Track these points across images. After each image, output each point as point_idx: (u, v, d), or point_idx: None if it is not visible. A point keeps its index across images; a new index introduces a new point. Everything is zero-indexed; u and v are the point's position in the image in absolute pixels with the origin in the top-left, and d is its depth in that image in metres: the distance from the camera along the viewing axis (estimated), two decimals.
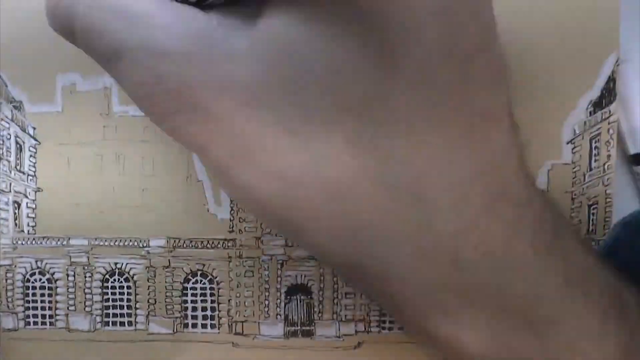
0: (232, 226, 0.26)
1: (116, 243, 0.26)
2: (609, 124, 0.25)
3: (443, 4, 0.14)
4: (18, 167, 0.26)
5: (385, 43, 0.15)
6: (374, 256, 0.17)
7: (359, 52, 0.15)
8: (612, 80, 0.25)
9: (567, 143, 0.25)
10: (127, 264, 0.26)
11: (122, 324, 0.27)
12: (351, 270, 0.17)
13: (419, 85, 0.15)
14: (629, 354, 0.18)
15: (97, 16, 0.17)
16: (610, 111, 0.25)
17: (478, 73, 0.16)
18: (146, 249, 0.26)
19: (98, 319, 0.27)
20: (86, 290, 0.27)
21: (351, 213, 0.16)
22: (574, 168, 0.25)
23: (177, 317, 0.27)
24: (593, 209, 0.25)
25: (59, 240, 0.26)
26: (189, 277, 0.27)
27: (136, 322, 0.27)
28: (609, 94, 0.25)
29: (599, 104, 0.25)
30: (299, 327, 0.26)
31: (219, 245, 0.26)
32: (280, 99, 0.15)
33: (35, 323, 0.27)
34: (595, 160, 0.25)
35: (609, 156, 0.25)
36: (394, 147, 0.15)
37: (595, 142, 0.25)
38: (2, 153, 0.26)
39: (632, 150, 0.26)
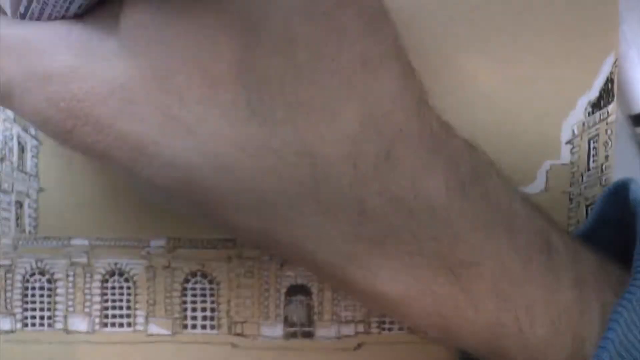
0: None
1: (116, 243, 0.26)
2: (607, 124, 0.25)
3: None
4: (20, 168, 0.26)
5: (244, 11, 0.15)
6: (280, 221, 0.17)
7: (220, 25, 0.15)
8: (610, 80, 0.25)
9: (566, 143, 0.25)
10: (127, 264, 0.26)
11: (121, 325, 0.27)
12: (263, 239, 0.18)
13: (284, 46, 0.15)
14: (553, 298, 0.18)
15: None
16: (608, 112, 0.25)
17: (346, 25, 0.16)
18: (146, 249, 0.26)
19: (97, 320, 0.27)
20: (86, 291, 0.27)
21: (247, 183, 0.16)
22: (572, 168, 0.25)
23: (176, 318, 0.27)
24: (590, 209, 0.25)
25: (59, 240, 0.26)
26: (189, 277, 0.27)
27: (135, 323, 0.27)
28: (607, 94, 0.25)
29: (597, 105, 0.25)
30: (298, 328, 0.26)
31: (218, 246, 0.26)
32: (157, 88, 0.16)
33: (34, 324, 0.27)
34: (594, 161, 0.25)
35: (606, 157, 0.25)
36: (272, 110, 0.16)
37: (594, 143, 0.25)
38: (5, 153, 0.26)
39: (634, 111, 0.26)
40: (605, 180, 0.25)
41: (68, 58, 0.16)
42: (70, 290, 0.27)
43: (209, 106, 0.16)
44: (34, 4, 0.17)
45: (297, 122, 0.16)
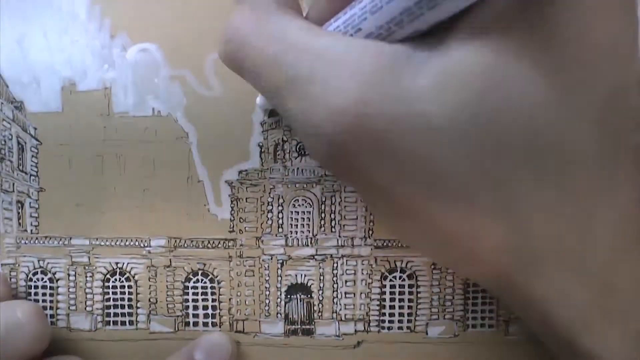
0: (233, 226, 0.26)
1: (117, 243, 0.27)
2: None
3: None
4: (20, 167, 0.27)
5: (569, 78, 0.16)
6: (534, 276, 0.18)
7: (547, 89, 0.16)
8: None
9: None
10: (128, 263, 0.27)
11: (123, 323, 0.27)
12: (501, 282, 0.19)
13: (599, 125, 0.16)
14: None
15: (264, 58, 0.18)
16: None
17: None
18: (147, 248, 0.27)
19: (99, 318, 0.27)
20: (87, 290, 0.27)
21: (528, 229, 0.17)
22: None
23: (178, 316, 0.27)
24: None
25: (60, 239, 0.27)
26: (190, 276, 0.27)
27: (137, 322, 0.27)
28: None
29: None
30: (299, 326, 0.27)
31: (219, 245, 0.26)
32: (467, 137, 0.16)
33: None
34: None
35: None
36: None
37: None
38: (5, 153, 0.26)
39: None
40: None
41: (360, 81, 0.17)
42: (72, 290, 0.27)
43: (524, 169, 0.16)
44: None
45: (582, 191, 0.17)
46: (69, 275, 0.27)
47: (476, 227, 0.17)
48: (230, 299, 0.27)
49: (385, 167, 0.17)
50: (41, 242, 0.27)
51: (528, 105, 0.16)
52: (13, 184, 0.27)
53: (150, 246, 0.26)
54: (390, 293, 0.27)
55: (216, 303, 0.27)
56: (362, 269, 0.26)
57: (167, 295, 0.27)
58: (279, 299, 0.27)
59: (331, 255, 0.26)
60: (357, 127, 0.16)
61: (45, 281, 0.27)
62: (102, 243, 0.27)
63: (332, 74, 0.17)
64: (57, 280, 0.27)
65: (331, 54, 0.17)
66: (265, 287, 0.27)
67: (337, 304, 0.26)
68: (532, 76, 0.15)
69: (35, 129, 0.26)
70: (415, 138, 0.16)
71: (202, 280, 0.27)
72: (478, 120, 0.16)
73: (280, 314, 0.27)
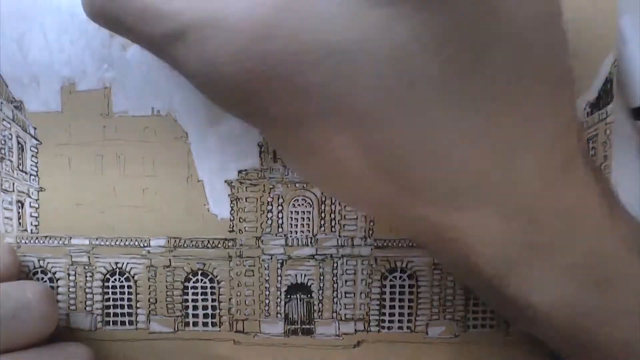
0: (232, 226, 0.26)
1: (117, 243, 0.27)
2: (605, 124, 0.25)
3: None
4: (20, 167, 0.27)
5: (495, 9, 0.15)
6: (455, 211, 0.17)
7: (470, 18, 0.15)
8: (609, 81, 0.25)
9: None
10: (127, 263, 0.27)
11: (122, 323, 0.27)
12: (423, 224, 0.18)
13: (519, 48, 0.16)
14: None
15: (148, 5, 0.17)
16: (607, 112, 0.25)
17: (558, 38, 0.16)
18: (147, 248, 0.27)
19: (99, 318, 0.27)
20: (87, 290, 0.27)
21: (448, 162, 0.16)
22: None
23: (178, 316, 0.27)
24: None
25: (60, 239, 0.27)
26: (190, 276, 0.27)
27: (137, 322, 0.27)
28: (606, 95, 0.25)
29: (596, 105, 0.25)
30: (299, 326, 0.27)
31: (219, 245, 0.26)
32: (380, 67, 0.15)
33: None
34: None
35: (605, 156, 0.25)
36: (493, 107, 0.16)
37: (593, 143, 0.25)
38: (5, 153, 0.26)
39: (635, 104, 0.25)
40: None
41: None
42: (72, 289, 0.27)
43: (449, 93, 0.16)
44: None
45: (504, 122, 0.16)
46: (68, 275, 0.27)
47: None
48: (230, 299, 0.27)
49: (294, 105, 0.16)
50: (41, 241, 0.27)
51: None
52: (13, 184, 0.27)
53: (150, 246, 0.26)
54: (391, 293, 0.27)
55: (216, 303, 0.27)
56: (362, 269, 0.26)
57: (167, 295, 0.27)
58: (278, 299, 0.27)
59: (331, 255, 0.26)
60: (260, 66, 0.15)
61: (45, 281, 0.27)
62: (102, 243, 0.27)
63: (228, 11, 0.16)
64: (57, 280, 0.27)
65: None
66: (265, 287, 0.27)
67: (337, 303, 0.26)
68: None
69: (35, 128, 0.26)
70: (325, 70, 0.15)
71: (201, 280, 0.27)
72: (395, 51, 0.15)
73: (280, 314, 0.27)
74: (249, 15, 0.15)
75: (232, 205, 0.26)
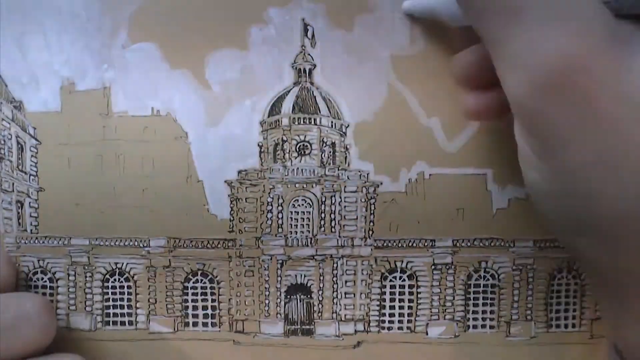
0: (232, 226, 0.26)
1: (116, 243, 0.27)
2: None
3: None
4: (20, 167, 0.26)
5: None
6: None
7: None
8: None
9: None
10: (127, 263, 0.27)
11: (122, 323, 0.27)
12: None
13: None
14: None
15: None
16: None
17: None
18: (146, 248, 0.26)
19: (99, 318, 0.27)
20: (87, 290, 0.27)
21: None
22: None
23: (177, 316, 0.27)
24: None
25: (60, 239, 0.27)
26: (190, 276, 0.27)
27: (137, 322, 0.27)
28: None
29: None
30: (298, 326, 0.27)
31: (219, 245, 0.26)
32: None
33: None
34: None
35: None
36: None
37: None
38: (4, 153, 0.26)
39: None
40: None
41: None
42: (72, 290, 0.27)
43: None
44: None
45: None
46: (68, 275, 0.27)
47: None
48: (229, 299, 0.27)
49: (571, 125, 0.18)
50: (41, 242, 0.27)
51: None
52: (13, 184, 0.27)
53: (149, 246, 0.26)
54: (390, 293, 0.26)
55: (216, 303, 0.27)
56: (362, 269, 0.26)
57: (167, 295, 0.27)
58: (278, 299, 0.27)
59: (331, 256, 0.26)
60: (578, 72, 0.17)
61: (45, 281, 0.27)
62: (102, 243, 0.27)
63: (567, 19, 0.17)
64: (56, 280, 0.27)
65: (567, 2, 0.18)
66: (265, 288, 0.27)
67: (337, 304, 0.26)
68: None
69: (35, 128, 0.26)
70: (618, 109, 0.17)
71: (201, 280, 0.27)
72: None
73: (280, 314, 0.27)
74: (586, 33, 0.18)
75: (231, 205, 0.26)
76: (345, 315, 0.26)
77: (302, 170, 0.26)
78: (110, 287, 0.27)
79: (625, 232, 0.18)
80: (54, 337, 0.24)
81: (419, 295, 0.26)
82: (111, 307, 0.27)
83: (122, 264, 0.27)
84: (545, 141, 0.19)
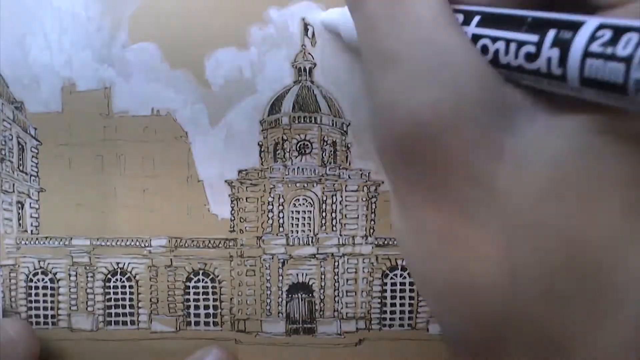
0: (233, 226, 0.26)
1: (118, 243, 0.27)
2: None
3: None
4: (21, 168, 0.26)
5: None
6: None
7: None
8: None
9: None
10: (128, 263, 0.27)
11: (124, 323, 0.27)
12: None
13: None
14: None
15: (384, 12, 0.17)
16: None
17: None
18: (148, 248, 0.27)
19: (100, 318, 0.27)
20: (88, 290, 0.27)
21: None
22: None
23: (179, 316, 0.27)
24: None
25: (61, 240, 0.27)
26: (191, 276, 0.27)
27: (139, 321, 0.27)
28: None
29: None
30: (300, 325, 0.27)
31: (220, 245, 0.26)
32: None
33: (38, 323, 0.27)
34: None
35: None
36: None
37: None
38: (5, 154, 0.26)
39: None
40: None
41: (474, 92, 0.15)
42: (73, 290, 0.27)
43: None
44: None
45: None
46: (69, 275, 0.27)
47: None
48: (231, 299, 0.27)
49: (430, 194, 0.16)
50: (42, 242, 0.27)
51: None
52: (13, 185, 0.27)
53: (151, 246, 0.26)
54: (392, 291, 0.27)
55: (217, 303, 0.27)
56: (363, 267, 0.26)
57: (168, 295, 0.27)
58: (280, 298, 0.27)
59: (332, 254, 0.26)
60: (429, 145, 0.16)
61: (46, 282, 0.27)
62: (103, 243, 0.27)
63: (436, 79, 0.16)
64: (58, 281, 0.27)
65: (445, 59, 0.16)
66: (267, 287, 0.27)
67: (338, 302, 0.27)
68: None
69: (36, 129, 0.26)
70: (468, 190, 0.16)
71: (203, 280, 0.27)
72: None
73: (282, 313, 0.27)
74: (448, 90, 0.15)
75: (232, 205, 0.26)
76: (346, 313, 0.27)
77: (302, 169, 0.26)
78: (111, 287, 0.27)
79: None
80: (38, 356, 0.25)
81: (419, 293, 0.27)
82: (113, 307, 0.27)
83: (124, 264, 0.27)
84: (400, 198, 0.18)
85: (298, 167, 0.26)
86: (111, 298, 0.27)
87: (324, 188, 0.26)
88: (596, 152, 0.15)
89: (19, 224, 0.27)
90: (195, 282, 0.27)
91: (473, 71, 0.16)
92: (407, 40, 0.16)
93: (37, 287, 0.27)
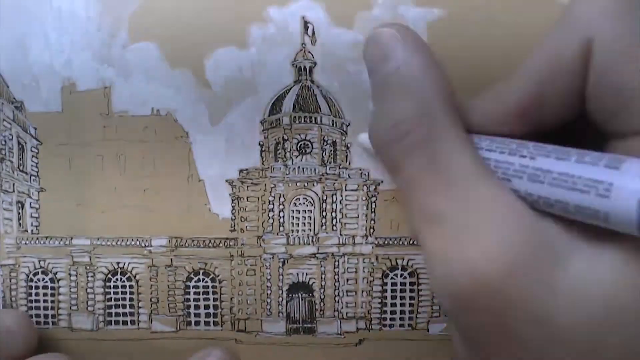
0: (234, 225, 0.26)
1: (118, 243, 0.27)
2: None
3: None
4: (21, 168, 0.27)
5: None
6: None
7: None
8: None
9: None
10: (129, 263, 0.27)
11: (124, 322, 0.27)
12: None
13: None
14: None
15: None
16: None
17: None
18: (148, 248, 0.27)
19: (101, 318, 0.27)
20: (88, 290, 0.27)
21: None
22: None
23: (180, 315, 0.27)
24: None
25: (61, 240, 0.27)
26: (191, 275, 0.27)
27: (139, 321, 0.27)
28: None
29: None
30: (300, 325, 0.27)
31: (220, 245, 0.26)
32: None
33: (38, 322, 0.27)
34: None
35: None
36: None
37: None
38: (5, 154, 0.26)
39: None
40: None
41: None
42: (73, 290, 0.27)
43: None
44: None
45: None
46: (70, 275, 0.27)
47: None
48: (231, 298, 0.27)
49: (494, 338, 0.17)
50: (42, 242, 0.27)
51: None
52: (13, 184, 0.27)
53: (151, 246, 0.26)
54: (392, 291, 0.27)
55: (218, 302, 0.27)
56: (363, 267, 0.26)
57: (169, 294, 0.27)
58: (280, 298, 0.27)
59: (332, 254, 0.26)
60: (489, 294, 0.16)
61: (47, 281, 0.27)
62: (103, 243, 0.27)
63: (483, 230, 0.16)
64: (58, 281, 0.27)
65: (488, 209, 0.17)
66: (267, 286, 0.27)
67: (338, 302, 0.27)
68: None
69: (36, 129, 0.26)
70: (533, 331, 0.16)
71: (203, 279, 0.27)
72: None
73: (282, 313, 0.27)
74: (500, 247, 0.16)
75: (233, 204, 0.26)
76: (347, 313, 0.27)
77: (303, 168, 0.26)
78: (112, 286, 0.27)
79: None
80: (36, 345, 0.26)
81: (420, 293, 0.27)
82: (113, 306, 0.27)
83: (124, 263, 0.27)
84: (468, 343, 0.18)
85: (298, 167, 0.26)
86: (111, 298, 0.27)
87: (324, 187, 0.26)
88: None
89: (19, 224, 0.27)
90: (195, 281, 0.27)
91: (516, 217, 0.16)
92: (449, 197, 0.17)
93: (37, 287, 0.27)
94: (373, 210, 0.26)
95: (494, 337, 0.17)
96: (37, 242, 0.27)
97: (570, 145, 0.17)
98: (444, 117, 0.18)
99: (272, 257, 0.27)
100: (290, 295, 0.27)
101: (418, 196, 0.18)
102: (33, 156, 0.26)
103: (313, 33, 0.25)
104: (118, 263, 0.27)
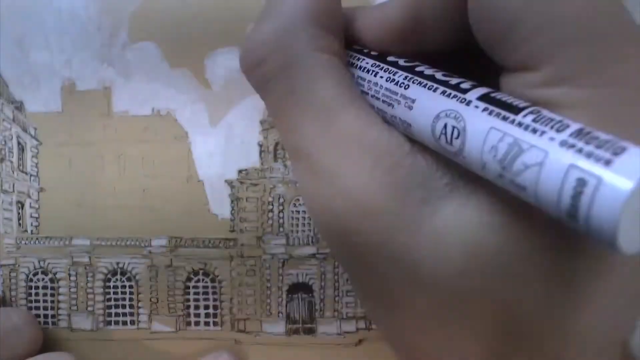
0: (233, 226, 0.26)
1: (118, 243, 0.27)
2: None
3: None
4: (21, 168, 0.27)
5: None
6: None
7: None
8: None
9: None
10: (129, 263, 0.27)
11: (124, 323, 0.27)
12: None
13: None
14: None
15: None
16: None
17: None
18: (148, 248, 0.27)
19: (100, 318, 0.27)
20: (88, 290, 0.27)
21: None
22: None
23: (179, 316, 0.27)
24: None
25: (61, 240, 0.27)
26: (191, 276, 0.27)
27: (139, 321, 0.27)
28: None
29: None
30: (300, 325, 0.27)
31: (220, 245, 0.26)
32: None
33: (38, 323, 0.27)
34: None
35: None
36: None
37: None
38: (5, 154, 0.26)
39: None
40: None
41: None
42: (73, 290, 0.27)
43: None
44: None
45: None
46: (69, 275, 0.27)
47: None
48: (231, 299, 0.27)
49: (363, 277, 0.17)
50: (42, 242, 0.27)
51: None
52: (13, 185, 0.27)
53: (151, 246, 0.26)
54: None
55: (217, 303, 0.27)
56: None
57: (168, 295, 0.27)
58: (280, 298, 0.27)
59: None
60: (349, 235, 0.16)
61: (46, 281, 0.27)
62: (103, 243, 0.27)
63: (344, 168, 0.15)
64: (57, 281, 0.27)
65: (349, 145, 0.16)
66: (267, 287, 0.27)
67: (338, 302, 0.26)
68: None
69: (36, 129, 0.26)
70: (396, 274, 0.15)
71: (203, 280, 0.27)
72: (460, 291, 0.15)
73: (282, 313, 0.27)
74: (376, 175, 0.15)
75: (232, 205, 0.26)
76: (346, 313, 0.26)
77: None
78: (111, 287, 0.27)
79: None
80: (41, 344, 0.26)
81: None
82: (113, 307, 0.27)
83: (124, 263, 0.27)
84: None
85: None
86: (111, 298, 0.27)
87: None
88: (507, 229, 0.14)
89: (19, 224, 0.27)
90: (195, 282, 0.27)
91: (380, 153, 0.15)
92: (310, 131, 0.16)
93: (37, 287, 0.27)
94: None
95: (362, 275, 0.16)
96: (37, 242, 0.27)
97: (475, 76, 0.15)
98: (307, 40, 0.16)
99: (272, 258, 0.27)
100: (290, 295, 0.27)
101: (282, 128, 0.17)
102: (33, 156, 0.26)
103: None
104: (118, 263, 0.27)
